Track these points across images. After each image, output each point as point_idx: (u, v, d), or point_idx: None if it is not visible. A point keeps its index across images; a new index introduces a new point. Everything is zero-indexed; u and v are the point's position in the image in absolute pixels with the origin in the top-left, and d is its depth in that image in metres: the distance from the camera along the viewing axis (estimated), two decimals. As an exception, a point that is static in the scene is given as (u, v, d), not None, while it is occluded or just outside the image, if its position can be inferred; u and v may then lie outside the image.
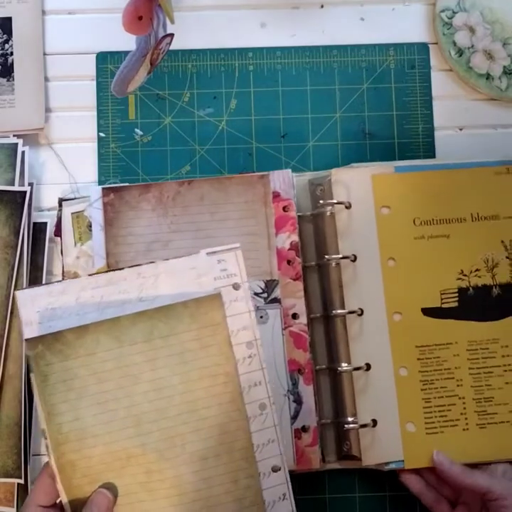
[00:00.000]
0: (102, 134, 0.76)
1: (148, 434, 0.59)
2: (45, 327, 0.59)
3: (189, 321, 0.60)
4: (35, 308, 0.59)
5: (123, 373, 0.59)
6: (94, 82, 0.76)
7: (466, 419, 0.68)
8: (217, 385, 0.59)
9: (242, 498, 0.60)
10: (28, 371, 0.59)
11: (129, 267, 0.61)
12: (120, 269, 0.61)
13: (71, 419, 0.58)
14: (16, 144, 0.72)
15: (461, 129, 0.77)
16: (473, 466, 0.67)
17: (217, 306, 0.60)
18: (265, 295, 0.70)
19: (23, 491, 0.69)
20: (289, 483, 0.60)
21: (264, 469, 0.60)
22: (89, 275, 0.60)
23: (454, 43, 0.76)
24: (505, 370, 0.69)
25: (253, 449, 0.60)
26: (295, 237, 0.70)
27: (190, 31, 0.77)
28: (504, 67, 0.76)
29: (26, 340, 0.58)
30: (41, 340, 0.58)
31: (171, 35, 0.67)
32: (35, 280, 0.71)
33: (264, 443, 0.60)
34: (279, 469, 0.60)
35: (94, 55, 0.76)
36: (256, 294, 0.70)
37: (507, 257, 0.71)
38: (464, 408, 0.68)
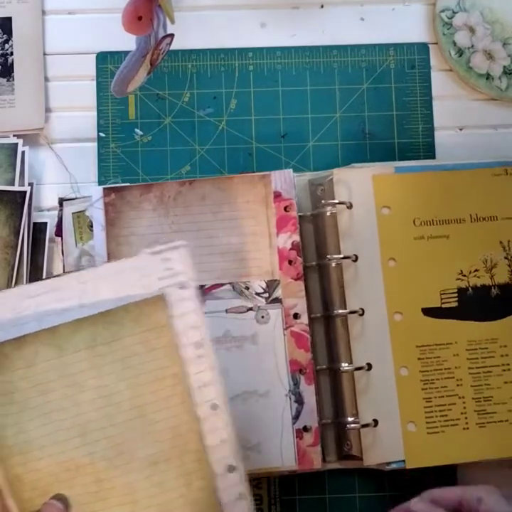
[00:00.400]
0: (102, 134, 0.75)
1: (95, 443, 0.57)
2: None
3: (132, 325, 0.58)
4: None
5: (67, 382, 0.57)
6: (94, 82, 0.76)
7: (466, 418, 0.68)
8: (165, 388, 0.58)
9: (197, 501, 0.59)
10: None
11: (67, 272, 0.59)
12: (58, 275, 0.59)
13: (15, 433, 0.56)
14: (16, 144, 0.72)
15: (461, 129, 0.77)
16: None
17: (162, 308, 0.58)
18: (266, 295, 0.69)
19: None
20: (246, 483, 0.58)
21: (219, 470, 0.58)
22: (26, 284, 0.58)
23: (454, 43, 0.77)
24: (504, 370, 0.69)
25: (205, 450, 0.58)
26: (296, 237, 0.70)
27: (190, 31, 0.77)
28: (504, 67, 0.76)
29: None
30: None
31: (171, 35, 0.67)
32: (35, 280, 0.71)
33: (217, 443, 0.58)
34: (235, 469, 0.58)
35: (94, 55, 0.76)
36: (257, 293, 0.70)
37: (505, 258, 0.71)
38: (464, 407, 0.68)
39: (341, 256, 0.69)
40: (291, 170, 0.71)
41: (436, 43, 0.77)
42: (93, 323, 0.57)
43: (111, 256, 0.69)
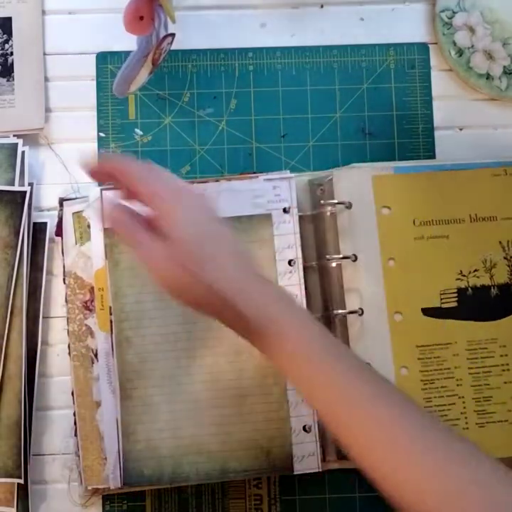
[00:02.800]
0: (102, 134, 0.75)
1: (194, 324, 0.67)
2: None
3: (241, 234, 0.68)
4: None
5: None
6: (94, 82, 0.76)
7: (465, 418, 0.68)
8: None
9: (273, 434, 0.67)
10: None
11: (198, 182, 0.70)
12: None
13: (133, 302, 0.68)
14: (16, 144, 0.72)
15: (461, 129, 0.77)
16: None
17: (268, 225, 0.69)
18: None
19: (23, 490, 0.69)
20: (318, 443, 0.67)
21: (296, 426, 0.67)
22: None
23: (454, 43, 0.76)
24: (504, 370, 0.69)
25: (288, 404, 0.67)
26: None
27: (190, 31, 0.77)
28: (504, 67, 0.76)
29: (105, 229, 0.68)
30: None
31: (173, 34, 0.67)
32: (35, 280, 0.71)
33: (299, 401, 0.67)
34: (310, 429, 0.67)
35: (94, 55, 0.76)
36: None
37: (505, 258, 0.71)
38: (464, 407, 0.68)
39: (341, 256, 0.69)
40: None
41: (436, 43, 0.77)
42: None
43: (108, 257, 0.70)
